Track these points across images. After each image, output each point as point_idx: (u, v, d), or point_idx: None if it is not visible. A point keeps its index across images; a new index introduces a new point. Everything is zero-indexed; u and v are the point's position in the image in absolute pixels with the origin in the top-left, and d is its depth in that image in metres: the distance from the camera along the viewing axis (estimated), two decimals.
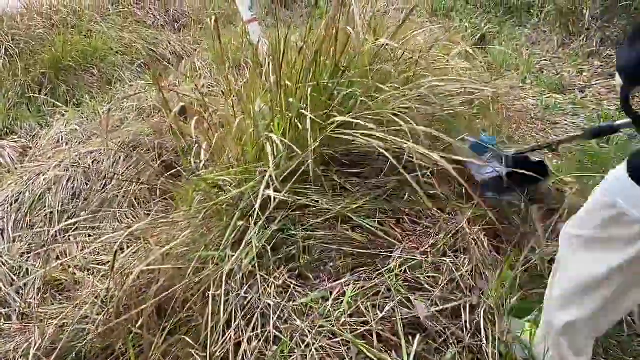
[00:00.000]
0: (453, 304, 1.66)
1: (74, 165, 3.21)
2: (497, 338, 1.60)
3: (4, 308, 2.50)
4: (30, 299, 2.51)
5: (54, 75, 4.69)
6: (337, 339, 1.55)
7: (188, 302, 1.96)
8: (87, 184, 3.12)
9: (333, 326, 1.58)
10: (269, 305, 1.68)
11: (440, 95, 2.59)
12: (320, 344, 1.54)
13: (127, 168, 3.18)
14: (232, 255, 1.77)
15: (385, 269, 1.80)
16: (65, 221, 2.92)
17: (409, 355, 1.38)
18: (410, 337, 1.57)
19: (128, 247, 2.31)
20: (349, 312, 1.63)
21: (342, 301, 1.69)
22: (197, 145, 2.47)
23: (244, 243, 1.87)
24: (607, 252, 1.33)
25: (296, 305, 1.70)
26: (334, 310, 1.64)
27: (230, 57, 4.43)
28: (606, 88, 4.21)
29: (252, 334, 1.62)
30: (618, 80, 1.39)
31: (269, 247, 1.89)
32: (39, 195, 3.05)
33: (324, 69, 2.34)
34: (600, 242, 1.36)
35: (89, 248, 2.68)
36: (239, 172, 2.15)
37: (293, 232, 1.98)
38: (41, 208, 3.02)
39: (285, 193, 1.87)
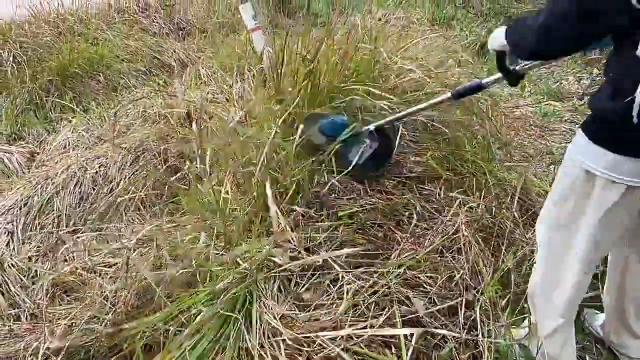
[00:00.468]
0: (450, 303, 1.72)
1: (81, 170, 3.28)
2: (493, 332, 1.67)
3: (14, 309, 2.56)
4: (39, 299, 2.57)
5: (60, 82, 4.77)
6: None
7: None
8: (94, 188, 3.20)
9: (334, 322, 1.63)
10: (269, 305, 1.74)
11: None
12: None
13: (133, 172, 3.24)
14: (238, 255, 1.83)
15: (386, 270, 1.87)
16: (73, 224, 2.99)
17: (407, 350, 1.44)
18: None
19: (135, 250, 2.37)
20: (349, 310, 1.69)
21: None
22: (201, 150, 2.53)
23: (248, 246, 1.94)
24: (579, 220, 1.47)
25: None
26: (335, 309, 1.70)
27: (234, 65, 4.52)
28: None
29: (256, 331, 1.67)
30: (497, 43, 1.62)
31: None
32: (48, 199, 3.12)
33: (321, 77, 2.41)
34: (572, 214, 1.48)
35: (97, 251, 2.74)
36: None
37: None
38: (49, 212, 3.09)
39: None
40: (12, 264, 2.75)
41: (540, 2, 5.90)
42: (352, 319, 1.66)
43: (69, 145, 3.85)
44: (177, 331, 1.78)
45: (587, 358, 1.93)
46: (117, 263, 2.51)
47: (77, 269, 2.65)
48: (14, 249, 2.88)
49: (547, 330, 1.66)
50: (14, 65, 4.85)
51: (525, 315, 1.81)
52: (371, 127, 2.31)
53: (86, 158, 3.40)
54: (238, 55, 4.76)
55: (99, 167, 3.31)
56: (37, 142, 4.16)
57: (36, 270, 2.75)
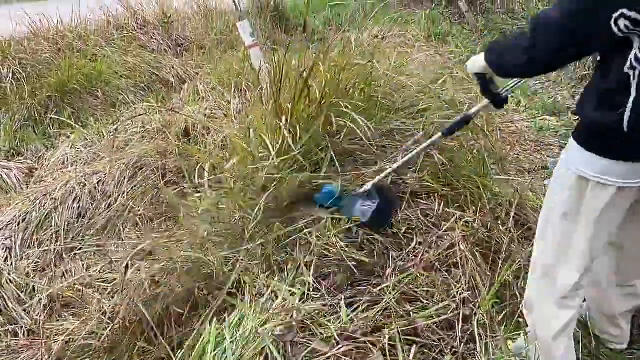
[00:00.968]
0: (449, 316, 1.74)
1: (79, 185, 3.29)
2: (490, 346, 1.68)
3: (11, 325, 2.56)
4: (37, 315, 2.57)
5: (59, 98, 4.81)
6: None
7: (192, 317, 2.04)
8: (92, 204, 3.21)
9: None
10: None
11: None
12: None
13: (131, 188, 3.26)
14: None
15: (384, 285, 1.88)
16: (71, 240, 3.00)
17: None
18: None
19: (133, 265, 2.38)
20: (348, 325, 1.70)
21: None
22: (199, 165, 2.56)
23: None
24: (576, 220, 1.54)
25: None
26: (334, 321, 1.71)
27: (232, 81, 4.56)
28: None
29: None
30: (477, 66, 1.69)
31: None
32: (46, 215, 3.13)
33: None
34: (569, 214, 1.55)
35: (95, 266, 2.75)
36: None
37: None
38: (48, 227, 3.10)
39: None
40: (10, 280, 2.75)
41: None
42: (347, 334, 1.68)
43: (67, 161, 3.87)
44: None
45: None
46: (115, 278, 2.52)
47: (75, 284, 2.66)
48: (12, 264, 2.89)
49: (554, 330, 1.67)
50: (13, 81, 4.89)
51: (522, 330, 1.82)
52: (368, 187, 2.32)
53: (85, 174, 3.42)
54: (236, 71, 4.80)
55: (98, 182, 3.33)
56: (36, 158, 4.18)
57: (34, 286, 2.75)
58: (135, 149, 3.65)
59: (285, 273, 1.96)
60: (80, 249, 2.98)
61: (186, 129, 3.93)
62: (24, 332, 2.53)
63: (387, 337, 1.64)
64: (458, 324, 1.72)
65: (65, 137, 4.30)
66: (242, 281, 1.98)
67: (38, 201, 3.24)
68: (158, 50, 6.07)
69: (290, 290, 1.84)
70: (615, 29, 1.21)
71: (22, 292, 2.71)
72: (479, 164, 2.67)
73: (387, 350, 1.63)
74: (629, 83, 1.30)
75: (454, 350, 1.70)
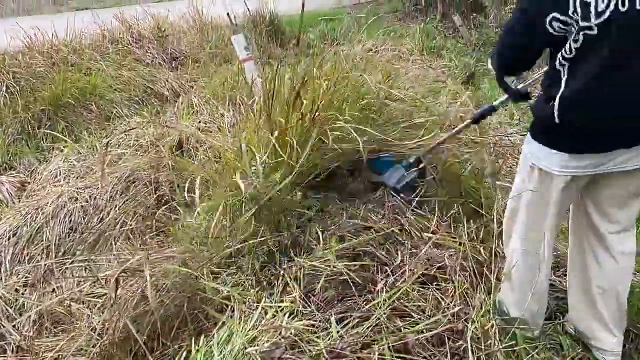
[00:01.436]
0: (439, 330, 1.72)
1: (71, 200, 3.27)
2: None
3: (0, 341, 2.52)
4: (26, 331, 2.53)
5: (53, 112, 4.78)
6: None
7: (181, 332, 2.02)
8: (84, 218, 3.18)
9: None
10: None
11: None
12: None
13: (123, 202, 3.23)
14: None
15: (375, 301, 1.86)
16: (62, 255, 2.97)
17: None
18: None
19: (123, 280, 2.36)
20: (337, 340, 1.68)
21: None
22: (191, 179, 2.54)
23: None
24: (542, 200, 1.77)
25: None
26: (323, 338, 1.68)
27: (226, 94, 4.56)
28: None
29: None
30: (489, 65, 1.92)
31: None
32: (37, 229, 3.11)
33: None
34: (534, 196, 1.78)
35: (86, 282, 2.72)
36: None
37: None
38: (39, 242, 3.07)
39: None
40: None
41: None
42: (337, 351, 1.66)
43: (59, 174, 3.84)
44: None
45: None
46: (105, 293, 2.49)
47: (65, 300, 2.62)
48: (1, 279, 2.85)
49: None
50: (6, 95, 4.86)
51: (517, 347, 1.80)
52: (412, 159, 2.67)
53: (77, 188, 3.39)
54: (230, 84, 4.81)
55: (90, 196, 3.30)
56: (28, 171, 4.15)
57: (24, 302, 2.71)
58: (128, 162, 3.63)
59: (275, 289, 1.94)
60: (72, 263, 2.95)
61: (179, 142, 3.92)
62: (12, 348, 2.49)
63: (376, 353, 1.62)
64: (449, 339, 1.70)
65: (58, 151, 4.27)
66: (232, 296, 1.96)
67: (29, 215, 3.21)
68: (153, 64, 6.06)
69: (279, 307, 1.82)
70: (550, 30, 1.51)
71: (11, 308, 2.67)
72: (472, 177, 2.67)
73: None
74: (561, 78, 1.57)
75: None
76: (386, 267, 2.04)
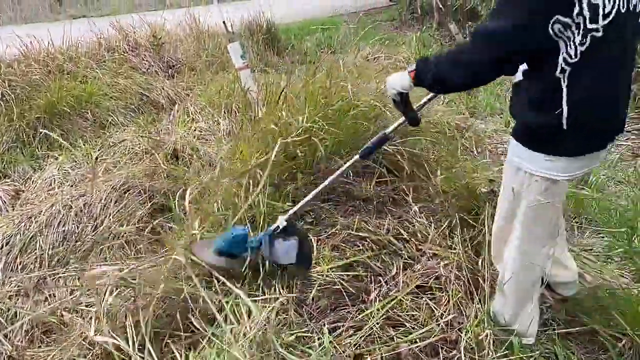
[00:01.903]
0: (432, 340, 1.71)
1: (65, 208, 3.25)
2: None
3: None
4: (18, 341, 2.51)
5: (48, 120, 4.76)
6: None
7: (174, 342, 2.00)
8: (78, 227, 3.16)
9: None
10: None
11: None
12: None
13: (118, 211, 3.22)
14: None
15: (369, 311, 1.85)
16: (56, 263, 2.95)
17: None
18: None
19: (117, 289, 2.34)
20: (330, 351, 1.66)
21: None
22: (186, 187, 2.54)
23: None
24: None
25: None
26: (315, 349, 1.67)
27: (222, 102, 4.56)
28: None
29: None
30: (400, 85, 1.80)
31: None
32: (30, 238, 3.09)
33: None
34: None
35: (79, 291, 2.70)
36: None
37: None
38: (32, 251, 3.05)
39: None
40: None
41: None
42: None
43: (54, 182, 3.82)
44: None
45: None
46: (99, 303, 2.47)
47: (57, 309, 2.60)
48: None
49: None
50: (1, 103, 4.84)
51: (512, 357, 1.79)
52: (282, 223, 2.11)
53: (71, 196, 3.37)
54: (226, 92, 4.81)
55: (84, 205, 3.28)
56: (23, 180, 4.12)
57: (16, 311, 2.69)
58: (122, 170, 3.62)
59: (268, 298, 1.92)
60: (65, 272, 2.93)
61: (175, 151, 3.91)
62: (4, 358, 2.46)
63: None
64: (442, 350, 1.69)
65: (53, 159, 4.26)
66: (223, 305, 1.95)
67: (23, 224, 3.19)
68: (149, 72, 6.06)
69: (273, 317, 1.80)
70: (551, 33, 1.43)
71: (3, 317, 2.65)
72: (466, 187, 2.66)
73: None
74: (560, 85, 1.50)
75: None
76: (380, 278, 2.03)
